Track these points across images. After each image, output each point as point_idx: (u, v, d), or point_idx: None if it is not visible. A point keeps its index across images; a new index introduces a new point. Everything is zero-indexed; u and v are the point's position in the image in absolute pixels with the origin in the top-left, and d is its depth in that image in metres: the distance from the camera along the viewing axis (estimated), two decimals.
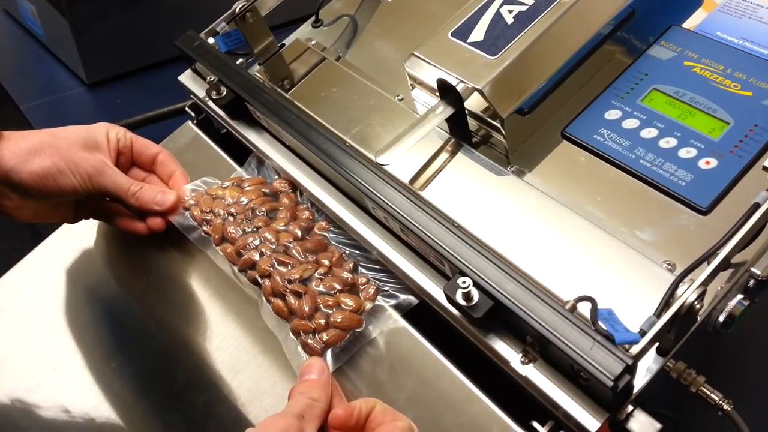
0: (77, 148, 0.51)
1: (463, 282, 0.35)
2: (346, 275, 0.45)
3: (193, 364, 0.47)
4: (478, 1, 0.48)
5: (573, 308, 0.34)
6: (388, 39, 0.60)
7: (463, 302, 0.35)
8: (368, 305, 0.44)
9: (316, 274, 0.45)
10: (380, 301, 0.44)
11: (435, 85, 0.48)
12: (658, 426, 0.32)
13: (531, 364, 0.34)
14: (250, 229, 0.49)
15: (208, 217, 0.51)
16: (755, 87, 0.43)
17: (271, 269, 0.46)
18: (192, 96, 0.61)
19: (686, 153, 0.42)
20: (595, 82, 0.48)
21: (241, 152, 0.58)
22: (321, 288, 0.44)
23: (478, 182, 0.46)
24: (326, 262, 0.46)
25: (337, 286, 0.44)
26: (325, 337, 0.42)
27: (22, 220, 0.53)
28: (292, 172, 0.52)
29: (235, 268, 0.49)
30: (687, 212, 0.40)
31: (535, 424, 0.34)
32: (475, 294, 0.35)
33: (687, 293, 0.31)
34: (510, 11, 0.46)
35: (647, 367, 0.35)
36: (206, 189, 0.53)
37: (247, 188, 0.52)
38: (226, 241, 0.50)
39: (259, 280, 0.46)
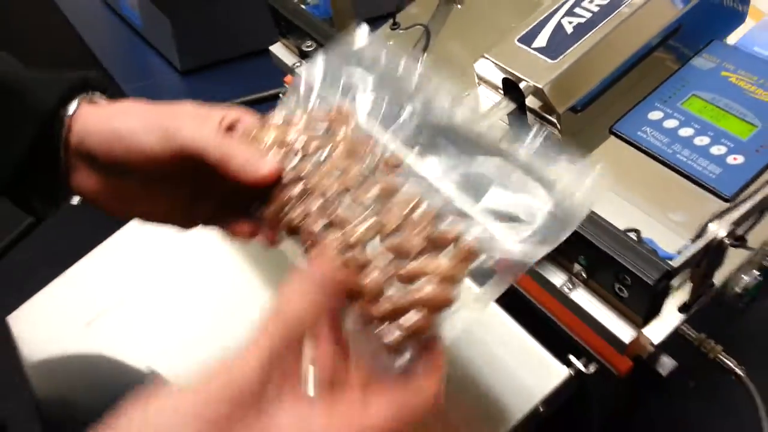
0: (171, 110, 0.40)
1: None
2: (426, 230, 0.32)
3: None
4: (542, 12, 0.56)
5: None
6: (458, 42, 0.68)
7: None
8: (464, 269, 0.31)
9: (379, 237, 0.32)
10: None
11: (500, 84, 0.56)
12: (675, 363, 0.39)
13: (575, 289, 0.42)
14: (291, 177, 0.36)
15: None
16: None
17: (319, 234, 0.34)
18: (280, 66, 0.69)
19: (717, 150, 0.49)
20: (642, 87, 0.55)
21: None
22: (391, 254, 0.32)
23: None
24: (397, 213, 0.33)
25: (415, 245, 0.31)
26: (408, 321, 0.30)
27: (114, 214, 0.43)
28: None
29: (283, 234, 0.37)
30: (714, 200, 0.47)
31: (572, 358, 0.42)
32: None
33: (718, 229, 0.38)
34: (570, 22, 0.54)
35: (670, 322, 0.42)
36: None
37: (298, 122, 0.39)
38: (266, 201, 0.37)
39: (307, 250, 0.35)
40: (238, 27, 1.02)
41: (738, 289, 0.46)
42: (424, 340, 0.31)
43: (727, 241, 0.37)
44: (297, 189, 0.36)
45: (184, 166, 0.39)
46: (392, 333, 0.30)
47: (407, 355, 0.30)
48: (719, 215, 0.39)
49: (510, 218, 0.33)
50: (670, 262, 0.36)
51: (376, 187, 0.35)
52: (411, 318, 0.30)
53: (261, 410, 0.27)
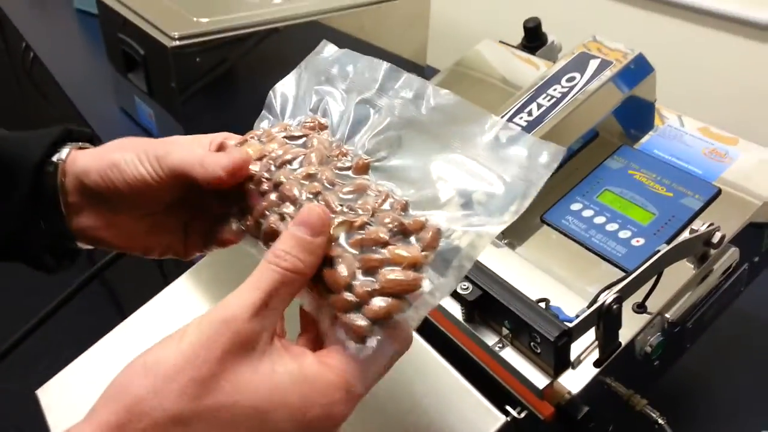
0: (161, 140, 0.43)
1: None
2: (393, 220, 0.34)
3: None
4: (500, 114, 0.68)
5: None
6: None
7: (461, 291, 0.51)
8: (429, 256, 0.33)
9: (346, 233, 0.35)
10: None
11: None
12: (588, 408, 0.49)
13: (504, 348, 0.51)
14: (268, 187, 0.39)
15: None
16: (676, 190, 0.62)
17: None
18: None
19: (623, 234, 0.60)
20: (567, 183, 0.67)
21: None
22: (358, 249, 0.34)
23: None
24: (368, 207, 0.36)
25: (383, 237, 0.34)
26: (373, 308, 0.32)
27: (118, 249, 0.46)
28: None
29: (260, 245, 0.39)
30: (621, 274, 0.58)
31: (508, 408, 0.51)
32: (470, 286, 0.52)
33: (606, 296, 0.48)
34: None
35: (586, 374, 0.52)
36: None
37: (274, 136, 0.43)
38: (246, 212, 0.40)
39: None
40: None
41: (647, 349, 0.56)
42: (392, 324, 0.33)
43: (615, 306, 0.48)
44: (273, 197, 0.38)
45: (178, 189, 0.43)
46: (361, 319, 0.33)
47: (374, 342, 0.33)
48: (609, 286, 0.50)
49: (468, 205, 0.36)
50: (568, 324, 0.46)
51: (347, 188, 0.38)
52: (376, 304, 0.32)
53: (257, 351, 0.30)
